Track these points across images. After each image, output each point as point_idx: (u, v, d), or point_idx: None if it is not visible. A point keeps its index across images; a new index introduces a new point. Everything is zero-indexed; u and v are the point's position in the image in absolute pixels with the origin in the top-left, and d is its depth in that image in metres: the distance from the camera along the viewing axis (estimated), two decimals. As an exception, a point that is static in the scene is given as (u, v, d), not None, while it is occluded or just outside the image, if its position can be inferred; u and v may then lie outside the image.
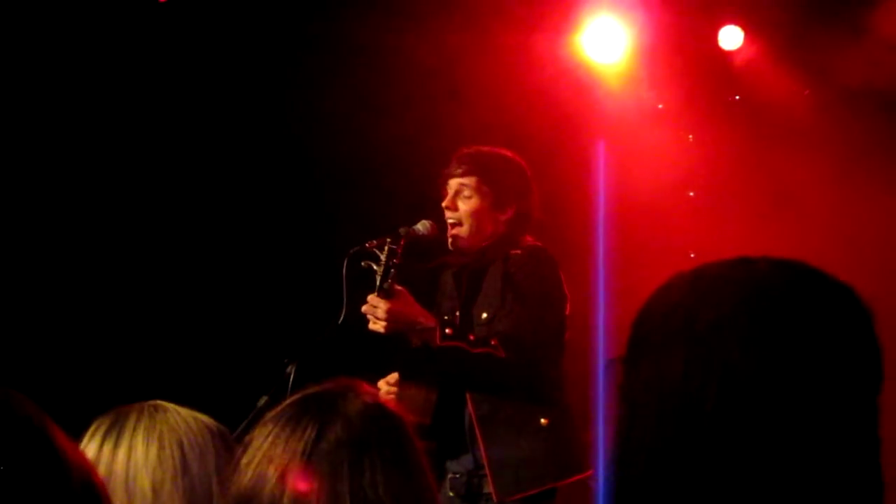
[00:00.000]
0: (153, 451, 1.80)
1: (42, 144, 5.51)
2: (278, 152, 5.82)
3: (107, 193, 5.63)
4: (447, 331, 3.69)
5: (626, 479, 1.20)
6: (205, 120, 5.73)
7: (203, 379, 4.97)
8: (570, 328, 3.92)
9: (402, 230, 3.74)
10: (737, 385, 1.15)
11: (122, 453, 1.80)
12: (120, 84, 5.59)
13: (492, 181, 3.90)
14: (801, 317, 1.17)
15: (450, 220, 3.91)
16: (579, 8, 5.64)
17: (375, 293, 3.65)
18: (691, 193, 5.85)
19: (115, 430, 1.83)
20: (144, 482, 1.78)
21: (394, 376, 3.85)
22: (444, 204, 3.93)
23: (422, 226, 3.82)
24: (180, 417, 1.85)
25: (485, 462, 3.75)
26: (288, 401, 1.60)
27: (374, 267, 3.66)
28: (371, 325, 3.67)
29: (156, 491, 1.78)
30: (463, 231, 3.90)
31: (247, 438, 1.57)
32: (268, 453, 1.53)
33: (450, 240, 3.92)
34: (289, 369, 3.64)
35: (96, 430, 1.85)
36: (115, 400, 1.93)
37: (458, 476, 3.85)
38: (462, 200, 3.90)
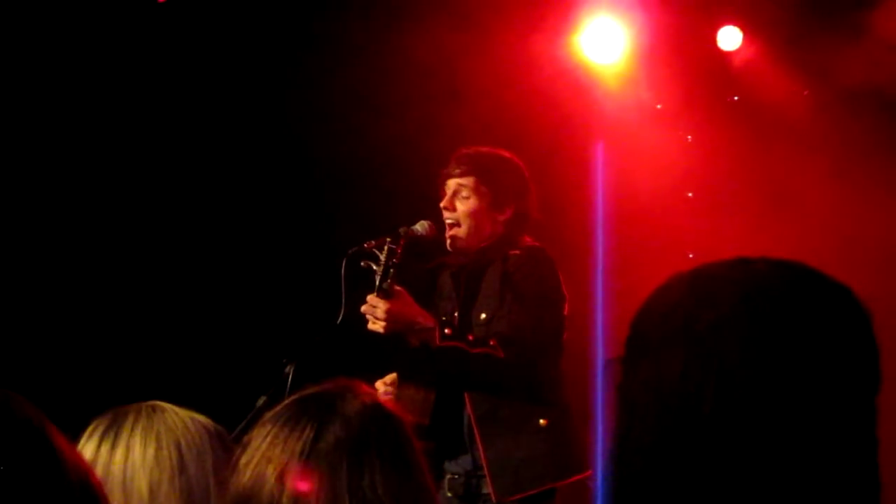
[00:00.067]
0: (150, 451, 1.80)
1: (41, 144, 5.50)
2: (278, 152, 5.82)
3: (106, 193, 5.63)
4: (446, 331, 3.69)
5: (624, 479, 1.20)
6: (205, 120, 5.73)
7: (201, 379, 4.98)
8: (568, 328, 3.92)
9: (401, 230, 3.74)
10: (735, 385, 1.15)
11: (119, 454, 1.80)
12: (119, 84, 5.59)
13: (490, 181, 3.90)
14: (800, 317, 1.17)
15: (448, 221, 3.91)
16: (578, 8, 5.64)
17: (374, 293, 3.65)
18: (690, 194, 5.85)
19: (113, 431, 1.83)
20: (142, 482, 1.78)
21: (391, 377, 3.85)
22: (442, 204, 3.93)
23: (420, 226, 3.82)
24: (178, 418, 1.85)
25: (483, 463, 3.75)
26: (286, 401, 1.60)
27: (374, 267, 3.66)
28: (370, 325, 3.67)
29: (153, 491, 1.78)
30: (461, 231, 3.90)
31: (245, 439, 1.57)
32: (266, 453, 1.53)
33: (448, 240, 3.92)
34: (287, 369, 3.63)
35: (94, 430, 1.85)
36: (114, 400, 1.93)
37: (456, 477, 3.85)
38: (460, 201, 3.90)
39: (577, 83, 5.71)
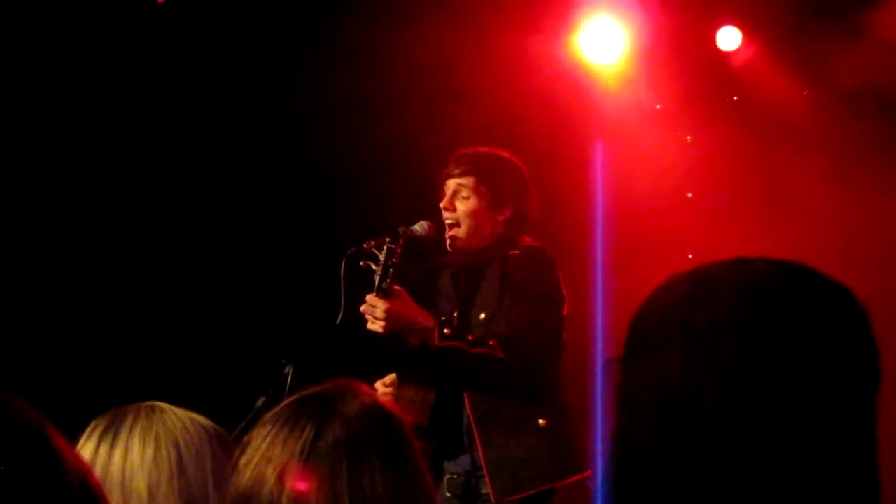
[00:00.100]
0: (149, 452, 1.80)
1: (41, 144, 5.50)
2: (277, 152, 5.82)
3: (105, 193, 5.63)
4: (445, 331, 3.69)
5: (623, 479, 1.20)
6: (204, 120, 5.73)
7: (201, 380, 4.97)
8: (568, 328, 3.91)
9: (400, 230, 3.74)
10: (734, 385, 1.15)
11: (118, 454, 1.80)
12: (119, 84, 5.59)
13: (489, 181, 3.90)
14: (799, 317, 1.17)
15: (448, 221, 3.91)
16: (577, 8, 5.64)
17: (374, 293, 3.65)
18: (689, 194, 5.85)
19: (112, 431, 1.83)
20: (140, 483, 1.78)
21: (391, 377, 3.85)
22: (441, 204, 3.92)
23: (420, 226, 3.82)
24: (177, 418, 1.85)
25: (483, 463, 3.75)
26: (286, 401, 1.60)
27: (373, 267, 3.66)
28: (369, 325, 3.67)
29: (152, 492, 1.78)
30: (461, 231, 3.90)
31: (245, 439, 1.57)
32: (266, 454, 1.53)
33: (448, 240, 3.92)
34: (287, 370, 3.63)
35: (93, 430, 1.85)
36: (113, 400, 1.93)
37: (455, 477, 3.84)
38: (460, 201, 3.90)
39: (576, 83, 5.71)
